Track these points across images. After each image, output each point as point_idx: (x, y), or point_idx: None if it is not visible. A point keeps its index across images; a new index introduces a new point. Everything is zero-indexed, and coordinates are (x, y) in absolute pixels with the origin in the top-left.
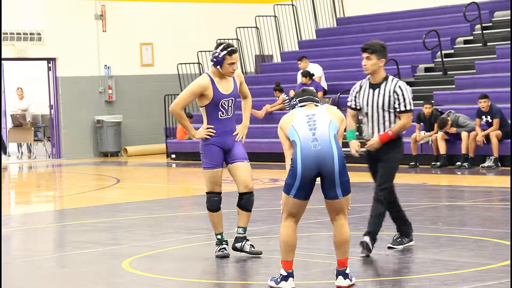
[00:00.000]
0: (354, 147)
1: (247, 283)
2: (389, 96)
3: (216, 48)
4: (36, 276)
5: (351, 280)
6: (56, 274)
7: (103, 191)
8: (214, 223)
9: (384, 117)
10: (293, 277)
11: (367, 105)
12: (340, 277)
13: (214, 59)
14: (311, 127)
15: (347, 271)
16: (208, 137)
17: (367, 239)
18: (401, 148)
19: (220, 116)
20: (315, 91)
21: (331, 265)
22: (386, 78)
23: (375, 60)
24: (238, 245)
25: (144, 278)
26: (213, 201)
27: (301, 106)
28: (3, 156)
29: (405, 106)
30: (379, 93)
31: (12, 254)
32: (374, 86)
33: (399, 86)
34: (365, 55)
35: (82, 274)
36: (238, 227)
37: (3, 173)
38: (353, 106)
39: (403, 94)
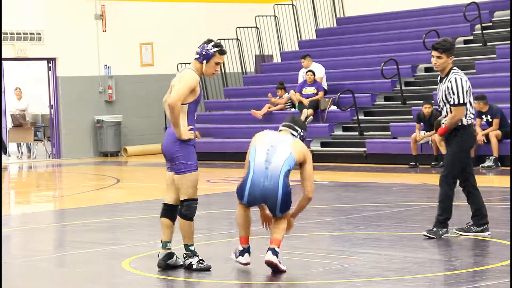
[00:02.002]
0: None
1: (247, 283)
2: (445, 89)
3: (207, 43)
4: (36, 276)
5: (280, 263)
6: (56, 274)
7: (103, 191)
8: (190, 233)
9: (447, 108)
10: (249, 253)
11: (439, 97)
12: (269, 252)
13: (203, 53)
14: (268, 159)
15: (277, 250)
16: (193, 137)
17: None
18: (465, 136)
19: (196, 116)
20: (303, 122)
21: (331, 265)
22: (449, 72)
23: (445, 58)
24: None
25: (144, 278)
26: (195, 209)
27: (280, 130)
28: (3, 156)
29: (454, 100)
30: (442, 86)
31: (12, 254)
32: (441, 80)
33: (450, 80)
34: (435, 53)
35: (82, 274)
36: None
37: (3, 173)
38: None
39: (452, 88)
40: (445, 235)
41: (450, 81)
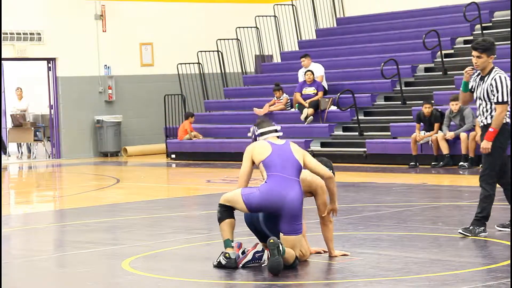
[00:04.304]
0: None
1: (247, 283)
2: (487, 88)
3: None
4: (36, 276)
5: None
6: (56, 274)
7: (103, 191)
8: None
9: (486, 106)
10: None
11: (476, 94)
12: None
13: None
14: None
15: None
16: None
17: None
18: (500, 135)
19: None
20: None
21: (331, 265)
22: (491, 70)
23: (485, 58)
24: None
25: (144, 278)
26: None
27: None
28: (3, 156)
29: (497, 98)
30: (482, 84)
31: (12, 254)
32: (482, 78)
33: (495, 79)
34: (475, 53)
35: (82, 274)
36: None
37: (3, 173)
38: (472, 84)
39: (496, 86)
40: (482, 234)
41: (495, 79)
